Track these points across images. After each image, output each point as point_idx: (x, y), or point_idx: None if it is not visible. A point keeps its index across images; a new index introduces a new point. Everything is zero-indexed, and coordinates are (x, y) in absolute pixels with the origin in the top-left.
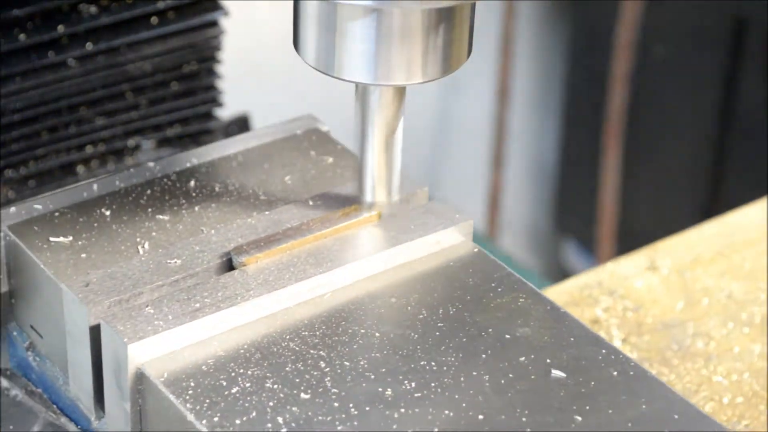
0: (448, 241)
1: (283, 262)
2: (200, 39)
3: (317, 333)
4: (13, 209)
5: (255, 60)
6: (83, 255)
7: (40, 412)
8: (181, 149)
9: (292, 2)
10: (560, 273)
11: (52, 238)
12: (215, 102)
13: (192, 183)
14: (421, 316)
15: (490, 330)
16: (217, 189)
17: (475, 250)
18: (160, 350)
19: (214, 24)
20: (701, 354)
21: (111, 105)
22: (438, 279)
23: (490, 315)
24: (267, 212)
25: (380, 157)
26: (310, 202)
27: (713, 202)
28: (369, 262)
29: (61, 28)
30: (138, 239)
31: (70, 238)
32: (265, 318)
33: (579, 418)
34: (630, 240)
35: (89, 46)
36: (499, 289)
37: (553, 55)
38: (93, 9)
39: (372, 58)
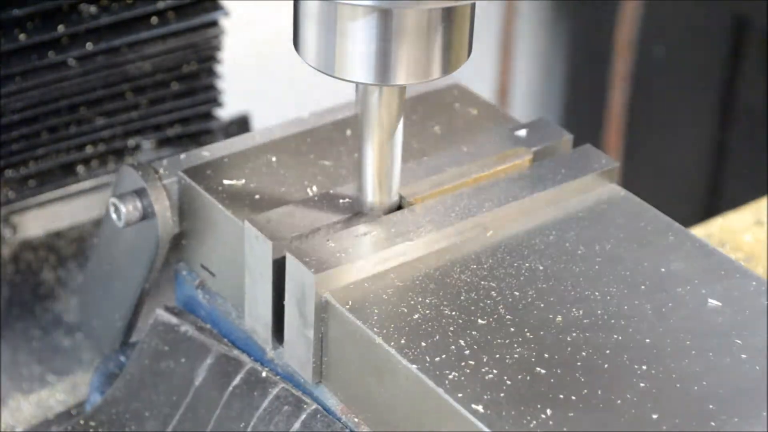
0: (597, 184)
1: (447, 202)
2: (200, 39)
3: (485, 266)
4: (183, 156)
5: (255, 60)
6: (257, 196)
7: (213, 345)
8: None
9: (292, 2)
10: None
11: (225, 181)
12: (215, 102)
13: (348, 132)
14: (579, 252)
15: (646, 264)
16: None
17: (622, 193)
18: (343, 281)
19: (214, 24)
20: None
21: (111, 105)
22: (591, 218)
23: (644, 251)
24: (425, 158)
25: (380, 157)
26: (464, 149)
27: (713, 202)
28: (526, 202)
29: (61, 28)
30: (305, 182)
31: (243, 180)
32: (435, 252)
33: (739, 342)
34: None
35: (89, 46)
36: (649, 228)
37: (553, 55)
38: (93, 9)
39: (372, 58)
